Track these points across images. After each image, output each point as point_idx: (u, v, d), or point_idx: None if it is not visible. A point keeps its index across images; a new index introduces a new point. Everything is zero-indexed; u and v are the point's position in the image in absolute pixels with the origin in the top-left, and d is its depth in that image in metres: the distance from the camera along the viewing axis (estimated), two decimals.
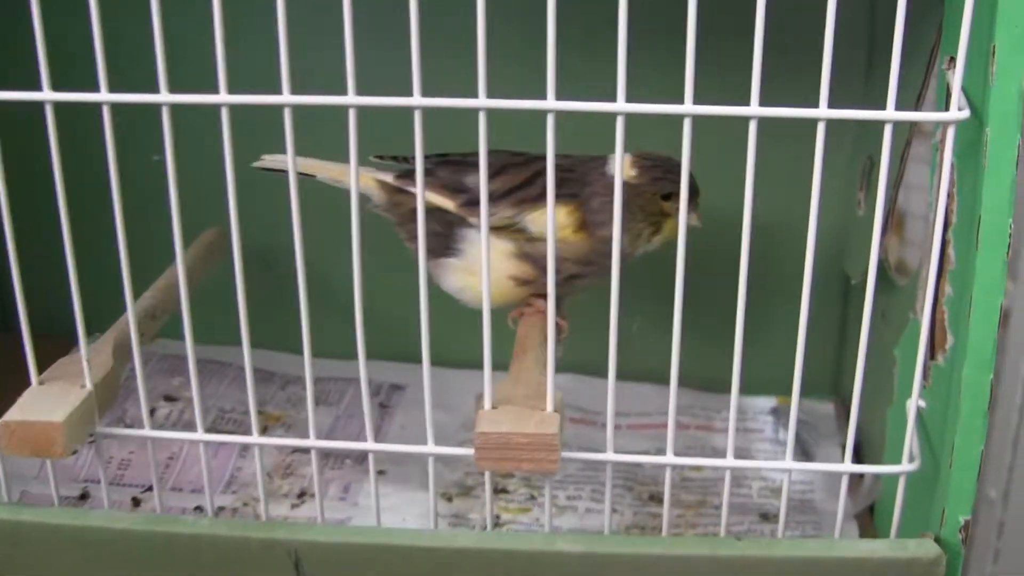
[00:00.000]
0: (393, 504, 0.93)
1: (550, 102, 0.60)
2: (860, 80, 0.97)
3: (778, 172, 0.85)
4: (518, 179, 0.81)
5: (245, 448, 1.00)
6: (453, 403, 1.06)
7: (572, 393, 1.08)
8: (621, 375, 1.08)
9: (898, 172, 0.84)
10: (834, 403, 1.09)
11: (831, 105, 0.58)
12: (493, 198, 0.79)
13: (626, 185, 0.76)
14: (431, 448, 0.72)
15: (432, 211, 0.82)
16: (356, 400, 1.09)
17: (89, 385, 0.74)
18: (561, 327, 0.83)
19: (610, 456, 0.70)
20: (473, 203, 0.79)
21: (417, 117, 0.60)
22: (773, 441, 1.02)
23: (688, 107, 0.59)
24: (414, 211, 0.65)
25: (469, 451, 0.69)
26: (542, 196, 0.70)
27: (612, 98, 0.59)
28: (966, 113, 0.58)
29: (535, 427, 0.67)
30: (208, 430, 1.00)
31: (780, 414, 1.03)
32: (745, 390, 1.12)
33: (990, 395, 0.65)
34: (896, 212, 0.88)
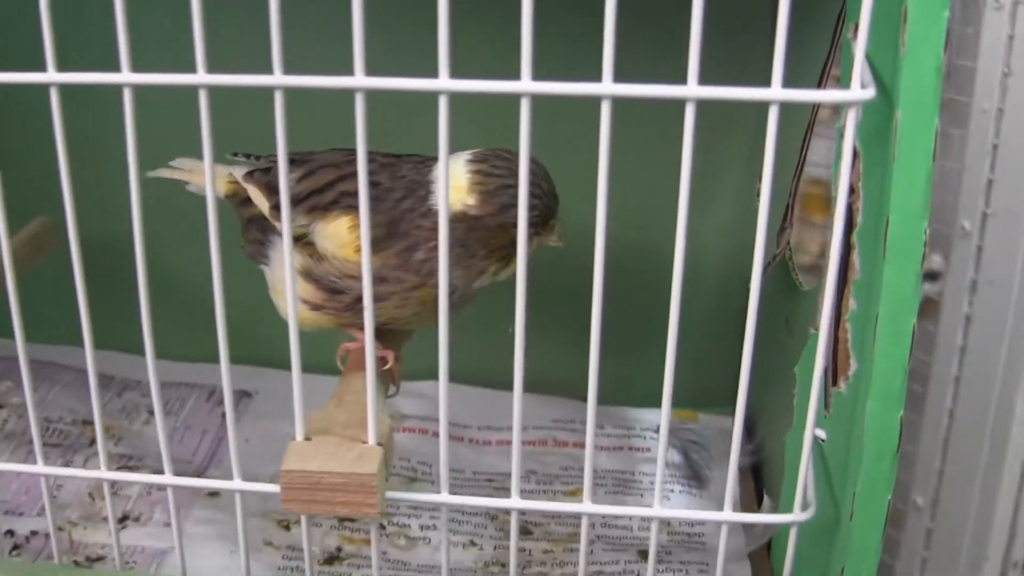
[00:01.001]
0: (225, 532, 0.82)
1: (525, 83, 0.47)
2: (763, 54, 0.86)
3: (660, 163, 0.74)
4: (321, 182, 0.67)
5: (68, 464, 0.88)
6: (307, 412, 0.94)
7: (436, 403, 0.96)
8: (493, 383, 0.97)
9: (800, 160, 0.72)
10: (732, 417, 0.97)
11: (713, 82, 0.46)
12: (295, 202, 0.65)
13: (462, 218, 0.63)
14: (237, 484, 0.61)
15: (257, 215, 0.71)
16: (197, 409, 0.98)
17: None
18: (385, 360, 0.69)
19: (445, 498, 0.58)
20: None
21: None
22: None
23: (526, 84, 0.46)
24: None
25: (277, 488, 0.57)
26: (334, 204, 0.63)
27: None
28: (870, 92, 0.46)
29: (351, 464, 0.56)
30: (30, 442, 0.89)
31: (671, 432, 0.91)
32: (632, 401, 1.03)
33: (899, 434, 0.53)
34: (800, 204, 0.77)
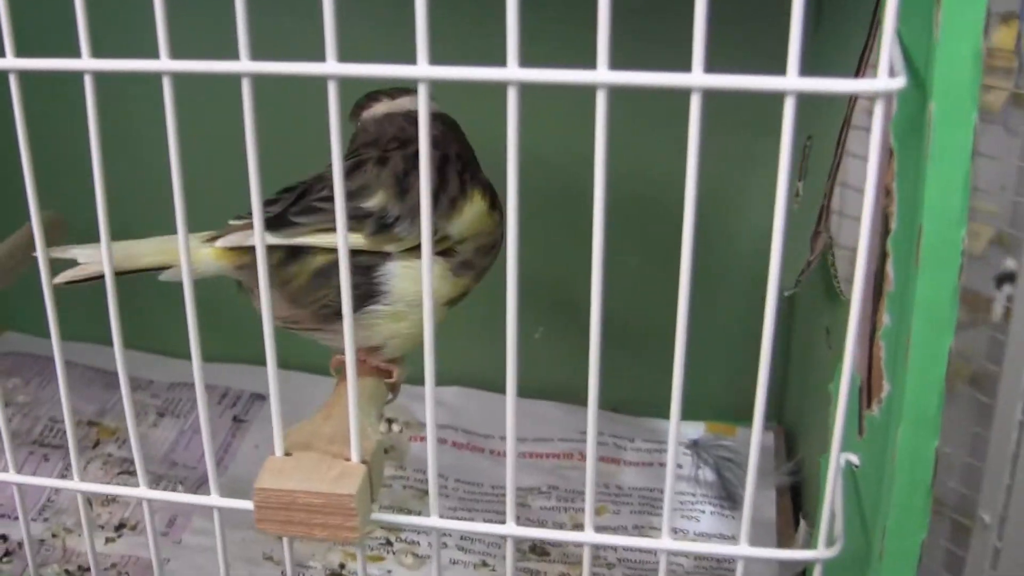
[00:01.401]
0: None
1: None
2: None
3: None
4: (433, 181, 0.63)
5: (66, 468, 0.84)
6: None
7: (457, 411, 0.92)
8: (518, 391, 0.92)
9: (835, 158, 0.66)
10: (775, 432, 0.92)
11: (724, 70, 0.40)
12: (409, 214, 0.62)
13: None
14: (215, 500, 0.56)
15: (328, 263, 0.62)
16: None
17: None
18: (390, 373, 0.65)
19: (435, 522, 0.53)
20: (386, 227, 0.62)
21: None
22: (691, 481, 0.85)
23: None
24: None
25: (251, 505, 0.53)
26: (461, 193, 0.64)
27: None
28: (900, 81, 0.40)
29: (331, 484, 0.51)
30: (34, 443, 0.87)
31: (701, 447, 0.86)
32: (663, 412, 0.97)
33: (934, 466, 0.48)
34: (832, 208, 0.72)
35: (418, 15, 0.41)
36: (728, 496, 0.83)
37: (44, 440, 0.89)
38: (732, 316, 0.89)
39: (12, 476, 0.61)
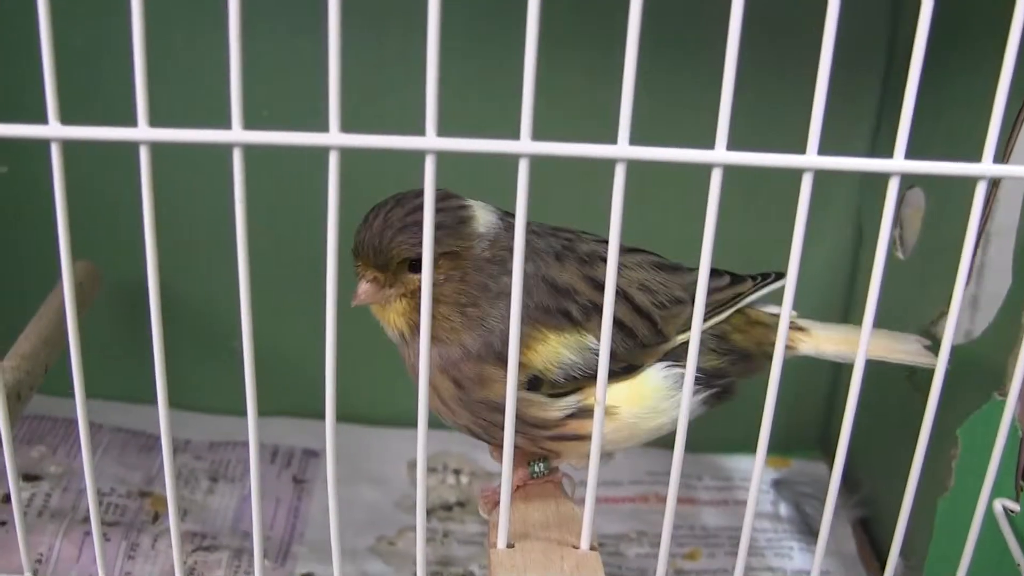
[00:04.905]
0: None
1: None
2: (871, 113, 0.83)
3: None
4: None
5: (134, 547, 0.80)
6: (381, 473, 0.88)
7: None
8: None
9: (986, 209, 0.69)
10: (826, 463, 0.94)
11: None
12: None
13: None
14: None
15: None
16: (265, 474, 0.90)
17: None
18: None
19: None
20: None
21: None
22: (773, 518, 0.86)
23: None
24: None
25: None
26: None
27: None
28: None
29: None
30: (85, 520, 0.82)
31: (782, 486, 0.88)
32: (725, 447, 0.99)
33: None
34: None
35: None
36: (809, 531, 0.85)
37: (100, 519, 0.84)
38: None
39: None
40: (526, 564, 0.52)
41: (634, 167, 0.43)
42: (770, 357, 0.65)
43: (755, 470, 0.50)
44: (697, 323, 0.46)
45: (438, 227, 0.53)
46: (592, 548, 0.52)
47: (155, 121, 0.42)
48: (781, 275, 0.66)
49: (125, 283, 0.88)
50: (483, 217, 0.57)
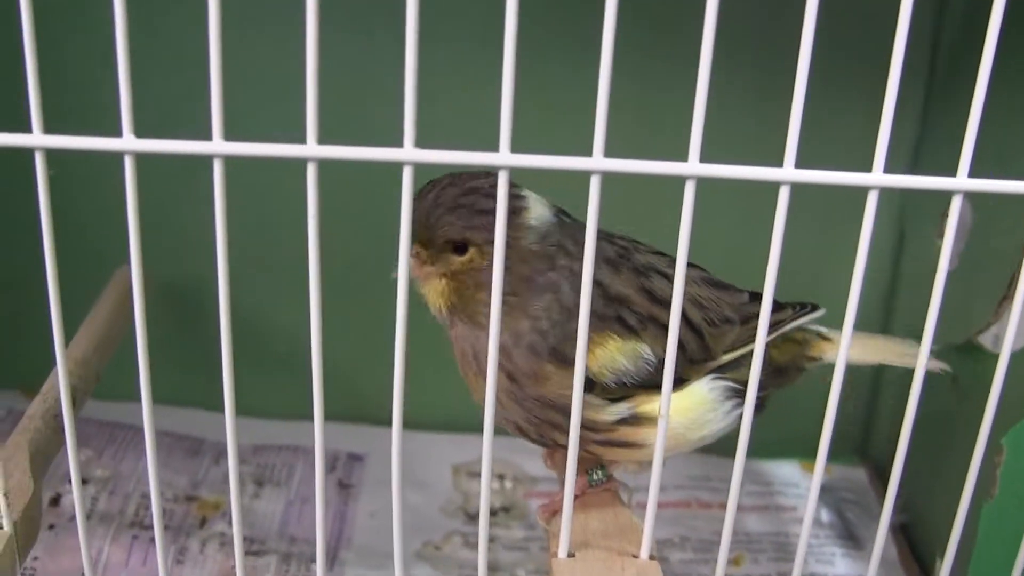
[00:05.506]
0: None
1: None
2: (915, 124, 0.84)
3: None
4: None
5: (182, 551, 0.81)
6: (426, 477, 0.89)
7: None
8: None
9: None
10: (865, 468, 0.95)
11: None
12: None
13: None
14: None
15: None
16: (308, 477, 0.91)
17: (7, 525, 0.56)
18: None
19: None
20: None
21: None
22: (815, 524, 0.87)
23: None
24: None
25: None
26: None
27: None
28: None
29: None
30: (132, 524, 0.83)
31: (823, 492, 0.88)
32: (763, 452, 1.00)
33: None
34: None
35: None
36: (850, 536, 0.85)
37: (143, 521, 0.84)
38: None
39: None
40: (587, 573, 0.52)
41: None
42: (801, 370, 0.67)
43: (814, 481, 0.51)
44: (760, 348, 0.47)
45: (487, 212, 0.54)
46: (651, 557, 0.53)
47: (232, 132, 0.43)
48: (816, 307, 0.67)
49: (170, 287, 0.89)
50: (536, 210, 0.57)
